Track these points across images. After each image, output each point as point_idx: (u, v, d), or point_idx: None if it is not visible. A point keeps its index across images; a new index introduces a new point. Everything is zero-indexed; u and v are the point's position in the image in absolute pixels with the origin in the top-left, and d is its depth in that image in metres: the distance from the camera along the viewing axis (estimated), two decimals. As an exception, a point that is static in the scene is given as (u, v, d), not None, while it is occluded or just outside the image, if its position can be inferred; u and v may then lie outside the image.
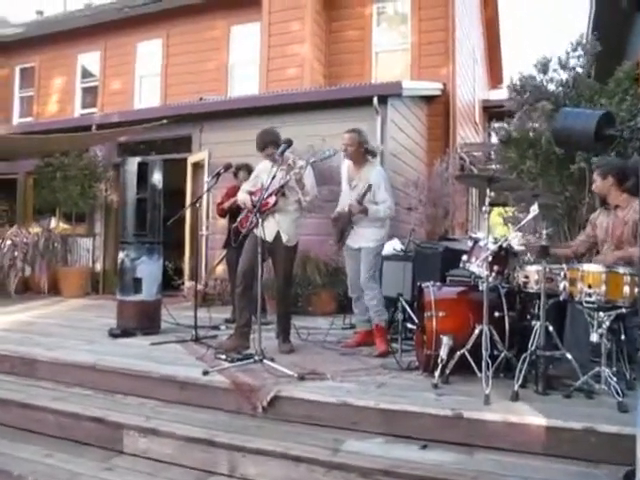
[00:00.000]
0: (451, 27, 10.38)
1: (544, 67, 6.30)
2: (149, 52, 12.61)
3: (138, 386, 4.00)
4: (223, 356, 4.27)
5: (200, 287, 7.79)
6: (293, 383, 3.67)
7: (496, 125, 6.87)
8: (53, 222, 9.88)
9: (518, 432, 2.95)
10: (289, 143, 4.47)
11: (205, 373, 3.85)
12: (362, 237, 4.85)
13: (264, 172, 4.67)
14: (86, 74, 13.52)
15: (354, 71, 10.71)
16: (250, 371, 3.91)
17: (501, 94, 15.38)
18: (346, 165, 5.09)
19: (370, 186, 4.68)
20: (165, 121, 8.55)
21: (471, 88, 12.62)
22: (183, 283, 8.08)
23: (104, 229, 9.74)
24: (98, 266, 9.76)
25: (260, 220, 4.21)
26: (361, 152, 4.88)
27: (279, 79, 10.41)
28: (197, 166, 8.78)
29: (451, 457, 2.92)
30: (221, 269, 7.74)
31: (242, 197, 4.86)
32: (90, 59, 13.38)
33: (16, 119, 13.94)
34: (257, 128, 7.68)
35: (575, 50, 6.18)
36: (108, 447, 3.45)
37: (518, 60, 28.83)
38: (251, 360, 4.01)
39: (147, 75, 12.68)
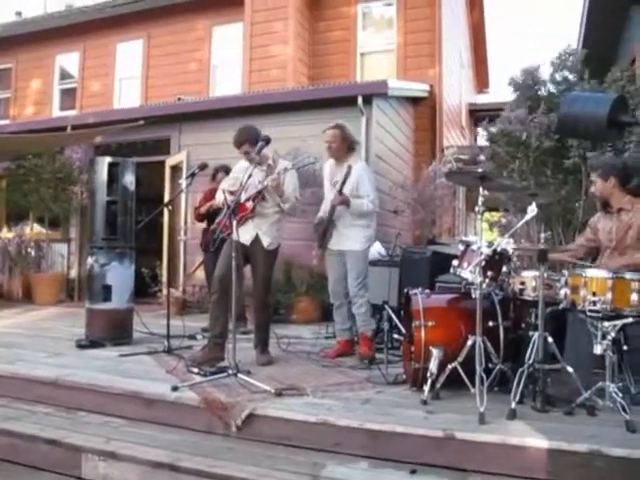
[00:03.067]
0: (437, 28, 10.16)
1: (533, 76, 6.15)
2: (129, 53, 12.29)
3: (102, 403, 3.68)
4: (195, 369, 3.97)
5: (178, 294, 7.48)
6: (270, 399, 3.36)
7: (483, 126, 6.63)
8: (27, 227, 9.49)
9: (517, 455, 2.67)
10: (266, 141, 4.17)
11: (174, 389, 3.54)
12: (345, 238, 4.59)
13: (243, 171, 4.30)
14: (65, 75, 13.17)
15: (339, 72, 10.45)
16: (224, 386, 3.60)
17: (487, 98, 15.29)
18: (328, 164, 4.84)
19: (350, 168, 4.44)
20: (142, 122, 8.21)
21: (458, 91, 12.43)
22: (160, 290, 7.73)
23: (79, 234, 9.34)
24: (73, 272, 9.36)
25: (235, 223, 3.89)
26: (345, 148, 4.65)
27: (262, 80, 10.13)
28: (175, 169, 8.45)
29: (443, 484, 2.63)
30: (200, 275, 7.42)
31: (219, 195, 4.54)
32: (69, 60, 13.03)
33: (-8, 121, 13.53)
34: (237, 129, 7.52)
35: (562, 65, 6.01)
36: (65, 473, 3.14)
37: (505, 65, 28.87)
38: (225, 374, 3.69)
39: (127, 76, 12.37)
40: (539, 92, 6.18)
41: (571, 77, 6.04)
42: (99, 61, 12.50)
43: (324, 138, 4.68)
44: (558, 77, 6.04)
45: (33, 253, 9.14)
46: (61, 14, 13.21)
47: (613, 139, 3.64)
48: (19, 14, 15.75)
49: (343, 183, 4.46)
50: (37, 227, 9.64)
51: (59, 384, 3.87)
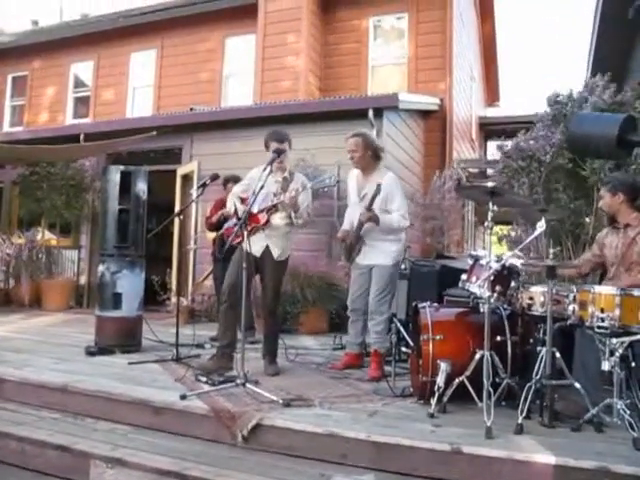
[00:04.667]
0: (449, 42, 10.23)
1: (556, 102, 6.16)
2: (143, 62, 12.45)
3: (110, 410, 3.70)
4: (204, 378, 3.98)
5: (187, 303, 7.51)
6: (277, 410, 3.37)
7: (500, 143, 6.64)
8: (38, 233, 9.57)
9: (524, 470, 2.66)
10: (278, 152, 4.18)
11: (183, 397, 3.55)
12: (374, 253, 4.44)
13: (256, 179, 4.16)
14: (78, 84, 13.31)
15: (350, 84, 10.53)
16: (231, 396, 3.62)
17: (498, 112, 15.31)
18: (354, 175, 4.67)
19: (379, 186, 4.22)
20: (154, 132, 8.29)
21: (468, 104, 12.46)
22: (169, 298, 7.77)
23: (90, 241, 9.42)
24: (83, 279, 9.42)
25: (246, 233, 3.91)
26: (369, 157, 4.49)
27: (274, 92, 10.22)
28: (186, 178, 8.51)
29: (449, 498, 2.64)
30: (209, 284, 7.46)
31: (231, 203, 4.51)
32: (83, 69, 13.19)
33: (6, 127, 13.68)
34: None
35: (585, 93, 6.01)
36: (73, 479, 3.16)
37: (516, 79, 28.93)
38: (233, 383, 3.71)
39: (140, 86, 12.50)
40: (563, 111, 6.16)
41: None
42: (113, 70, 12.64)
43: (346, 147, 4.53)
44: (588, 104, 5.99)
45: (44, 259, 9.20)
46: (76, 23, 13.42)
47: (623, 158, 3.65)
48: (35, 23, 15.98)
49: (372, 199, 4.26)
50: (48, 233, 9.73)
51: (68, 390, 3.89)
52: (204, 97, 11.25)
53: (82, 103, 13.16)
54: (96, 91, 12.86)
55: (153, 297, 7.70)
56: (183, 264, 8.13)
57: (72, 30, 12.94)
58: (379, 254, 4.44)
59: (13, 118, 13.96)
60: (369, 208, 4.28)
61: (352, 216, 4.59)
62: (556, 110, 6.08)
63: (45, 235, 9.60)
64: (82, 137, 9.09)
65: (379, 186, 4.25)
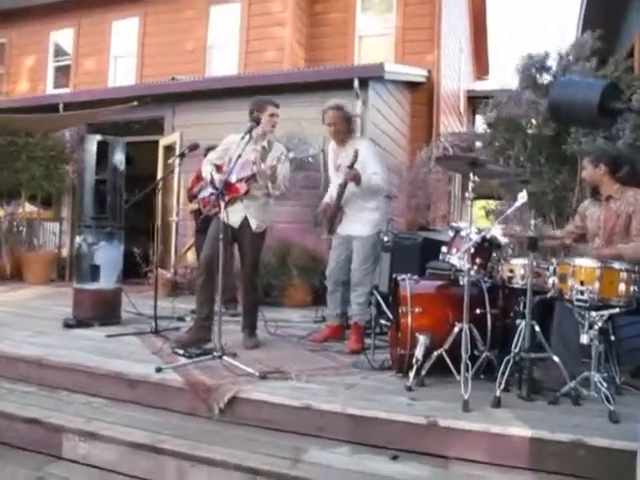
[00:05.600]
0: (437, 12, 10.05)
1: (536, 61, 5.99)
2: (125, 31, 12.08)
3: (86, 383, 3.65)
4: (181, 351, 3.93)
5: (169, 276, 7.44)
6: (254, 383, 3.33)
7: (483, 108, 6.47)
8: (19, 205, 9.40)
9: (500, 444, 2.65)
10: (257, 121, 4.07)
11: (158, 370, 3.50)
12: (353, 223, 4.42)
13: (234, 146, 4.05)
14: (59, 52, 12.95)
15: (336, 55, 10.32)
16: (208, 368, 3.57)
17: (487, 85, 15.16)
18: (331, 148, 4.65)
19: (357, 152, 4.19)
20: (135, 103, 8.10)
21: (456, 77, 12.32)
22: (151, 271, 7.67)
23: (71, 213, 9.27)
24: (65, 252, 9.30)
25: (223, 204, 3.82)
26: (346, 128, 4.47)
27: (258, 62, 10.05)
28: (169, 149, 8.37)
29: (424, 470, 2.62)
30: (192, 256, 7.38)
31: (206, 170, 4.38)
32: (63, 37, 12.81)
33: (-17, 97, 13.35)
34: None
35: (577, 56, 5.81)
36: (46, 452, 3.11)
37: (505, 52, 28.69)
38: (210, 356, 3.66)
39: (123, 55, 12.16)
40: (541, 79, 6.01)
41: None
42: (94, 38, 12.27)
43: (325, 121, 4.48)
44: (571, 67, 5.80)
45: (25, 232, 9.06)
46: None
47: (605, 126, 3.57)
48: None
49: (352, 164, 4.21)
50: (29, 205, 9.55)
51: (43, 363, 3.82)
52: (188, 67, 10.98)
53: (63, 72, 12.82)
54: (77, 60, 12.52)
55: (136, 270, 7.62)
56: (166, 236, 8.03)
57: (51, -4, 12.56)
58: (358, 224, 4.41)
59: (-9, 87, 13.62)
60: (351, 166, 4.23)
61: (332, 190, 4.55)
62: (527, 75, 5.93)
63: (26, 207, 9.43)
64: (61, 107, 8.88)
65: (357, 152, 4.22)
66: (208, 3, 11.29)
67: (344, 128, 4.46)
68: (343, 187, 4.33)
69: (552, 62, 5.93)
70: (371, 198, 4.42)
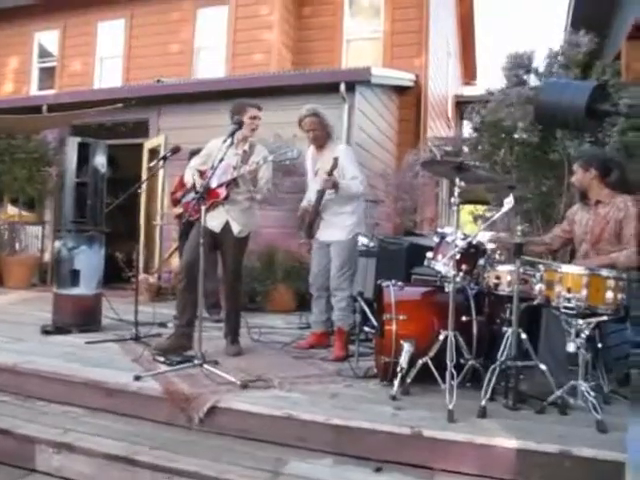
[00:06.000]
0: (425, 17, 10.04)
1: (522, 60, 5.95)
2: (111, 33, 11.94)
3: (62, 392, 3.53)
4: (161, 358, 3.84)
5: (153, 280, 7.33)
6: (234, 391, 3.25)
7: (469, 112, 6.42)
8: (1, 208, 9.24)
9: (486, 455, 2.58)
10: (239, 124, 4.00)
11: (137, 378, 3.40)
12: (330, 228, 4.40)
13: (215, 151, 4.03)
14: (44, 54, 12.79)
15: (323, 59, 10.27)
16: (189, 377, 3.48)
17: (475, 90, 15.17)
18: (310, 153, 4.65)
19: (336, 159, 4.18)
20: (120, 105, 8.00)
21: (444, 82, 12.32)
22: (134, 275, 7.56)
23: (54, 217, 9.11)
24: (47, 256, 9.13)
25: (204, 209, 3.73)
26: (325, 134, 4.46)
27: (245, 65, 9.97)
28: (154, 152, 8.26)
29: (408, 483, 2.54)
30: (176, 261, 7.27)
31: (188, 175, 4.36)
32: (48, 38, 12.65)
33: (-34, 98, 13.15)
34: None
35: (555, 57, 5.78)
36: (17, 465, 2.99)
37: (493, 58, 28.84)
38: (191, 364, 3.57)
39: (108, 56, 12.03)
40: (527, 81, 5.96)
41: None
42: (80, 40, 12.12)
43: (304, 128, 4.48)
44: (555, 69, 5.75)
45: (6, 235, 8.90)
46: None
47: (592, 129, 3.53)
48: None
49: (332, 170, 4.18)
50: (12, 208, 9.39)
51: (17, 371, 3.70)
52: (175, 69, 10.90)
53: (48, 74, 12.66)
54: (62, 61, 12.37)
55: (118, 275, 7.49)
56: (150, 240, 7.92)
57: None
58: (335, 229, 4.40)
59: (-27, 88, 13.43)
60: (330, 173, 4.19)
61: (310, 194, 4.53)
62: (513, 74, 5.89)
63: (8, 210, 9.26)
64: (45, 108, 8.75)
65: (336, 159, 4.19)
66: (195, 5, 11.20)
67: (322, 133, 4.46)
68: (322, 193, 4.31)
69: (539, 62, 5.90)
70: (347, 203, 4.40)
